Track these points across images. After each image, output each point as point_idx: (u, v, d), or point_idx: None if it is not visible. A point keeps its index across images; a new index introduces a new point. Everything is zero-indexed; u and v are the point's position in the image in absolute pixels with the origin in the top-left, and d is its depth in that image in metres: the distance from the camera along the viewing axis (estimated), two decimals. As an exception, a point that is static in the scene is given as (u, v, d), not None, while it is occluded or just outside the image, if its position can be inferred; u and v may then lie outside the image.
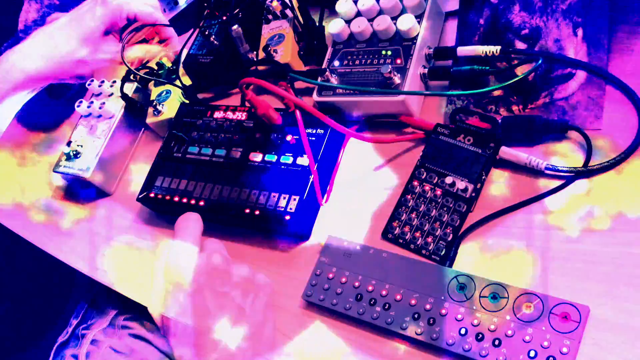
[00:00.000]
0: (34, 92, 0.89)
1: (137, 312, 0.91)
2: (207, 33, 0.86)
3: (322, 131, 0.71)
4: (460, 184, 0.62)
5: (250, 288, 0.60)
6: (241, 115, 0.78)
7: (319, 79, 0.73)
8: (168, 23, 0.90)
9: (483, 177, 0.62)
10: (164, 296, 0.57)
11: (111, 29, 0.85)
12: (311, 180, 0.68)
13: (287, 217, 0.67)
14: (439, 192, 0.63)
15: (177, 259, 0.58)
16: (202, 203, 0.73)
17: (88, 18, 0.83)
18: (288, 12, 0.82)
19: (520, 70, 0.65)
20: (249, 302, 0.58)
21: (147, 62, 0.91)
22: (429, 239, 0.62)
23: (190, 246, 0.60)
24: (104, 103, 0.89)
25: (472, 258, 0.59)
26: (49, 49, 0.83)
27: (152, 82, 0.90)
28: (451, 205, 0.62)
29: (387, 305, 0.59)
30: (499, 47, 0.66)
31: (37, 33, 0.85)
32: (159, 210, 0.81)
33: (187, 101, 0.86)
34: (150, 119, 0.86)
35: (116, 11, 0.84)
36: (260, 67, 0.82)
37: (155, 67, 0.90)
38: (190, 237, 0.61)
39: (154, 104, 0.86)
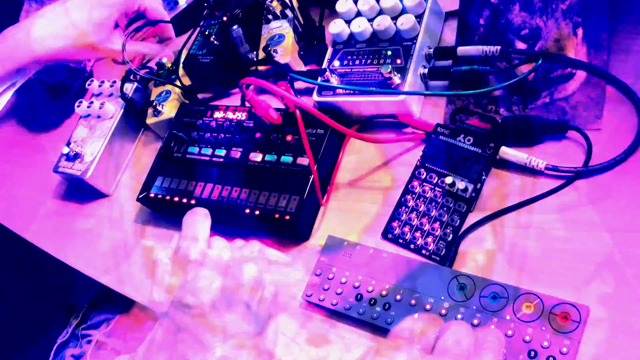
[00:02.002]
0: (27, 76, 0.86)
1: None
2: (207, 33, 0.86)
3: (322, 131, 0.71)
4: (460, 184, 0.62)
5: (257, 287, 0.60)
6: (241, 115, 0.78)
7: (319, 79, 0.73)
8: (170, 21, 0.90)
9: (483, 177, 0.62)
10: (169, 292, 0.56)
11: (120, 19, 0.85)
12: (311, 180, 0.68)
13: (287, 217, 0.67)
14: (439, 192, 0.63)
15: (185, 254, 0.58)
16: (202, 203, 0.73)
17: (104, 3, 0.82)
18: (288, 12, 0.82)
19: (520, 71, 0.65)
20: (256, 300, 0.58)
21: (148, 61, 0.90)
22: (429, 239, 0.62)
23: (198, 242, 0.59)
24: (103, 103, 0.89)
25: (472, 258, 0.59)
26: (62, 28, 0.80)
27: (152, 82, 0.90)
28: (451, 205, 0.62)
29: (387, 305, 0.59)
30: (499, 47, 0.66)
31: (47, 11, 0.81)
32: (159, 210, 0.81)
33: (187, 101, 0.86)
34: (150, 119, 0.86)
35: (131, 1, 0.83)
36: (260, 67, 0.82)
37: (155, 67, 0.90)
38: (198, 232, 0.60)
39: (154, 104, 0.86)
